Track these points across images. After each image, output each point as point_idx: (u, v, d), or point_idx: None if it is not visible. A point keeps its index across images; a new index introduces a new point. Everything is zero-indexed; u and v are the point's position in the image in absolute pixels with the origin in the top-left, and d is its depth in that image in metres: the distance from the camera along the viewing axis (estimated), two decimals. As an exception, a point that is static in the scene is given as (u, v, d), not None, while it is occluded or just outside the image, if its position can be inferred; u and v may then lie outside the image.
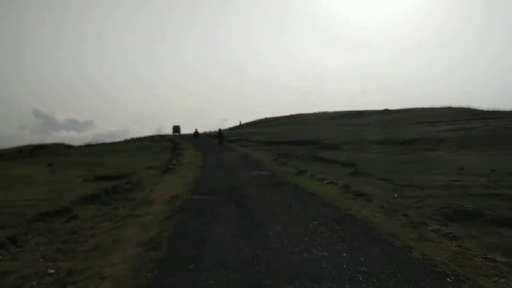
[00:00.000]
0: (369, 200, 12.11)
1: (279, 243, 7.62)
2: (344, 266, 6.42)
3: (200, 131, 73.87)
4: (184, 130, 72.86)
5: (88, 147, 60.37)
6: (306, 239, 7.86)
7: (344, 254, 6.94)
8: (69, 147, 60.98)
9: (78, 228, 10.83)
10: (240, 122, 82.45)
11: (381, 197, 14.25)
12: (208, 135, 59.92)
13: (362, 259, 6.72)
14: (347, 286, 5.67)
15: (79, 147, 61.68)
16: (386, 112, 63.08)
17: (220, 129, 41.21)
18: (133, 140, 63.42)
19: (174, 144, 47.12)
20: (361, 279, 5.91)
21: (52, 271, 7.17)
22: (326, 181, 16.00)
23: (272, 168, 20.83)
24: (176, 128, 72.66)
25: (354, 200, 12.03)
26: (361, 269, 6.27)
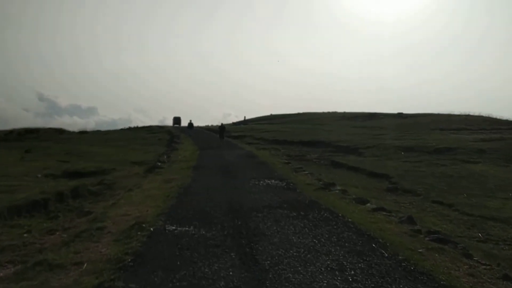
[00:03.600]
0: (466, 256, 6.83)
1: None
2: None
3: (202, 124, 68.82)
4: (186, 123, 67.58)
5: (82, 133, 55.34)
6: None
7: None
8: (61, 132, 56.07)
9: None
10: (245, 117, 77.02)
11: (462, 237, 9.00)
12: (209, 129, 54.61)
13: None
14: None
15: (73, 133, 56.70)
16: (401, 116, 57.65)
17: (222, 123, 36.46)
18: (130, 129, 58.19)
19: (172, 137, 41.92)
20: None
21: None
22: (370, 205, 10.72)
23: (286, 176, 15.55)
24: (177, 120, 67.36)
25: (440, 254, 6.74)
26: None
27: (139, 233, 7.20)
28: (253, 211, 9.13)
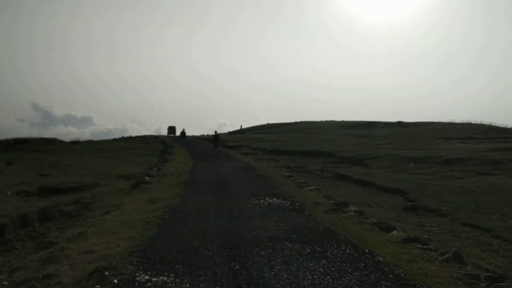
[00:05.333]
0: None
1: None
2: None
3: (198, 134, 66.57)
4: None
5: (73, 144, 53.12)
6: None
7: None
8: (52, 142, 53.87)
9: None
10: (241, 126, 74.82)
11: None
12: (204, 139, 52.44)
13: None
14: None
15: (64, 143, 54.52)
16: (401, 124, 55.73)
17: (216, 132, 34.01)
18: (123, 139, 56.00)
19: (165, 147, 39.76)
20: None
21: None
22: (396, 233, 8.66)
23: (290, 193, 13.46)
24: (172, 129, 65.08)
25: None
26: None
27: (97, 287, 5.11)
28: (255, 247, 7.02)
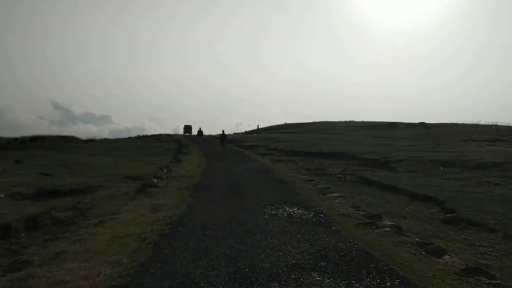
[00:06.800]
0: None
1: None
2: None
3: (214, 133, 65.02)
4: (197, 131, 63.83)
5: (87, 142, 52.15)
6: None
7: None
8: (67, 140, 53.01)
9: None
10: (258, 126, 73.11)
11: None
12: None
13: None
14: None
15: (79, 141, 53.66)
16: (424, 125, 53.41)
17: (223, 131, 34.60)
18: (138, 138, 54.80)
19: (179, 146, 38.36)
20: None
21: None
22: (449, 258, 6.89)
23: (311, 201, 11.74)
24: (188, 128, 63.69)
25: None
26: None
27: None
28: (273, 281, 5.32)
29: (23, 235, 9.66)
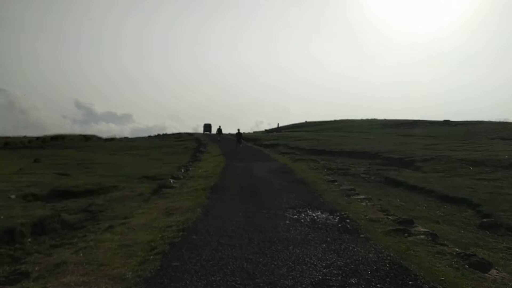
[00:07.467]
0: None
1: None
2: None
3: (234, 132, 64.53)
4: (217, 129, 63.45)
5: (107, 141, 52.14)
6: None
7: None
8: (87, 139, 53.15)
9: None
10: (278, 124, 72.23)
11: None
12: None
13: None
14: None
15: (99, 140, 53.77)
16: (448, 123, 51.81)
17: (238, 130, 35.68)
18: (158, 136, 54.55)
19: (198, 145, 37.83)
20: None
21: None
22: (497, 273, 6.01)
23: (336, 204, 10.91)
24: (207, 127, 63.22)
25: None
26: None
27: None
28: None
29: (29, 240, 9.08)
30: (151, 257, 6.16)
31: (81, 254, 6.68)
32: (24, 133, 56.23)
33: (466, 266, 6.33)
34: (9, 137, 48.87)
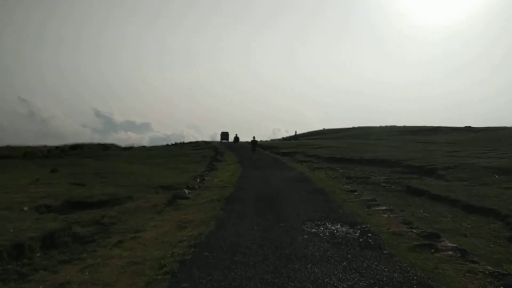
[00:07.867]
0: None
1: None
2: None
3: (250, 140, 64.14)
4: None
5: (126, 150, 52.27)
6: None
7: None
8: (106, 148, 53.35)
9: None
10: (296, 132, 71.62)
11: None
12: (258, 145, 50.06)
13: None
14: None
15: (117, 149, 53.96)
16: (469, 129, 50.59)
17: (254, 137, 34.98)
18: (176, 145, 54.53)
19: (215, 153, 37.54)
20: None
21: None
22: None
23: (356, 216, 10.39)
24: (225, 135, 63.00)
25: None
26: None
27: None
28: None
29: (38, 254, 8.79)
30: (159, 277, 5.76)
31: (87, 273, 6.33)
32: (44, 143, 56.75)
33: (501, 287, 5.78)
34: (29, 147, 49.25)
